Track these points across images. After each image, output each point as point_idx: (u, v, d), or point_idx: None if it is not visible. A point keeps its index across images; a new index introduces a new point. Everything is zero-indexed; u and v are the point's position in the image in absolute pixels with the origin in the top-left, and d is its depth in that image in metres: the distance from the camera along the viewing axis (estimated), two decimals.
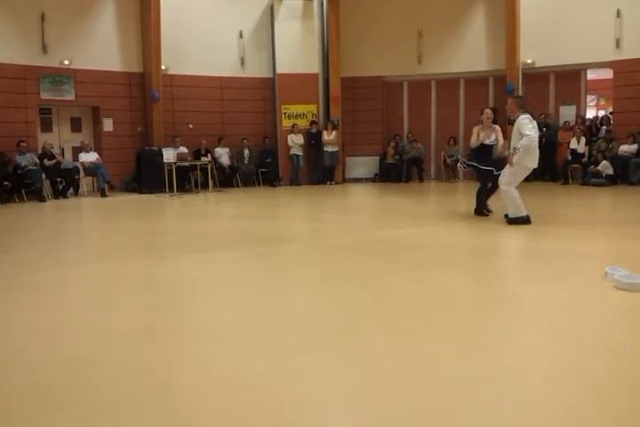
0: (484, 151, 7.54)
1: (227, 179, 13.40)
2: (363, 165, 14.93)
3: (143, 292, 4.16)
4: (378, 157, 14.77)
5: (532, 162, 6.82)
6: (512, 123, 7.10)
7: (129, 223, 8.03)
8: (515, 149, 6.69)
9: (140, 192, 12.04)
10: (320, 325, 3.28)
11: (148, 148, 12.60)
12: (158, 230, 7.50)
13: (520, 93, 13.32)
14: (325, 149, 13.96)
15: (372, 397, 2.33)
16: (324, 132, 14.00)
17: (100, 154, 12.22)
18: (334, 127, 14.00)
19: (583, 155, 12.55)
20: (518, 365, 2.64)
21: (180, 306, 3.78)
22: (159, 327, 3.28)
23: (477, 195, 7.66)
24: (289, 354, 2.81)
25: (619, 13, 12.57)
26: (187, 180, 12.49)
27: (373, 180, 14.71)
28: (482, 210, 7.57)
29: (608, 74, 13.44)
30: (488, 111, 7.69)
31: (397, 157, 14.34)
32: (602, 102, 17.67)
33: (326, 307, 3.66)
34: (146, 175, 12.22)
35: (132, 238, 6.68)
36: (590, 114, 15.29)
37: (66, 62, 12.15)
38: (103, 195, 11.57)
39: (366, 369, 2.61)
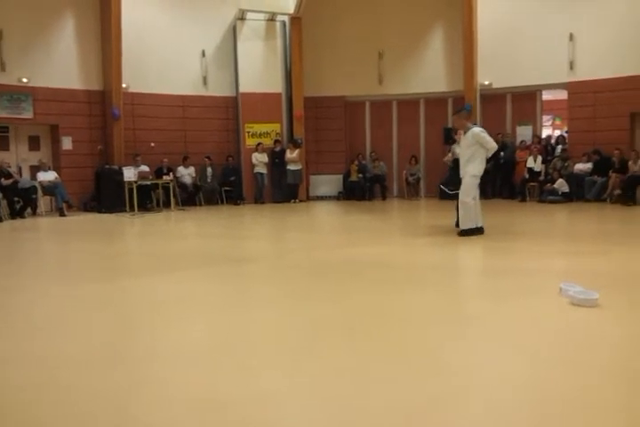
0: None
1: (189, 197, 13.29)
2: (326, 183, 15.04)
3: (101, 314, 4.06)
4: (341, 176, 14.90)
5: (480, 170, 7.26)
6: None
7: (88, 244, 7.87)
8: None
9: (100, 211, 11.84)
10: (283, 344, 3.26)
11: (107, 166, 12.43)
12: (118, 251, 7.36)
13: (477, 113, 13.69)
14: (288, 167, 14.02)
15: (334, 417, 2.32)
16: (287, 151, 14.06)
17: (58, 173, 11.99)
18: (296, 146, 14.07)
19: (540, 173, 12.91)
20: (475, 383, 2.66)
21: (141, 328, 3.71)
22: (118, 351, 3.20)
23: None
24: (252, 374, 2.77)
25: (571, 37, 13.07)
26: (148, 199, 12.35)
27: (337, 198, 14.82)
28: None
29: (563, 95, 13.92)
30: None
31: (361, 175, 14.49)
32: (557, 122, 18.24)
33: (289, 326, 3.64)
34: (105, 194, 12.03)
35: (90, 259, 6.53)
36: (546, 133, 15.74)
37: (24, 80, 11.96)
38: (62, 214, 11.33)
39: (328, 389, 2.59)
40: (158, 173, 12.80)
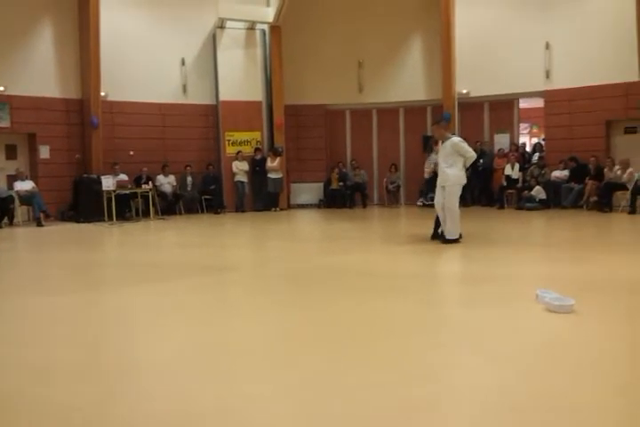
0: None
1: (169, 206, 13.20)
2: (307, 191, 15.05)
3: (76, 326, 4.01)
4: (322, 184, 14.92)
5: (465, 178, 7.40)
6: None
7: (65, 254, 7.78)
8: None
9: (78, 221, 11.70)
10: (263, 354, 3.25)
11: (86, 175, 12.31)
12: (96, 261, 7.28)
13: (456, 122, 13.84)
14: (269, 175, 14.01)
15: (314, 425, 2.31)
16: (268, 159, 14.06)
17: (36, 182, 11.85)
18: (277, 154, 14.08)
19: (517, 180, 13.06)
20: (452, 390, 2.67)
21: (118, 339, 3.67)
22: (92, 363, 3.16)
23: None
24: (231, 384, 2.76)
25: (547, 46, 13.28)
26: (127, 208, 12.24)
27: (318, 206, 14.83)
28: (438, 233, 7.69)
29: (539, 103, 14.12)
30: None
31: (341, 183, 14.53)
32: (535, 130, 18.49)
33: (270, 335, 3.63)
34: (84, 204, 11.91)
35: (68, 270, 6.45)
36: (522, 141, 15.95)
37: (0, 88, 11.82)
38: (39, 224, 11.18)
39: (309, 398, 2.59)
40: (137, 181, 12.71)
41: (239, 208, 13.90)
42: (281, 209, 14.13)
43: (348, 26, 14.69)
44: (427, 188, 8.10)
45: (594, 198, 11.84)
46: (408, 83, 14.67)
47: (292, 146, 14.74)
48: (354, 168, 14.81)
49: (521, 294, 4.43)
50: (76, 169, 12.72)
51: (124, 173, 12.53)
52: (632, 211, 10.85)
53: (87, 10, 12.34)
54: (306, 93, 14.78)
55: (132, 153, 13.31)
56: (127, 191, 12.10)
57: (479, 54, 13.81)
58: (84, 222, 11.55)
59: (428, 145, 8.19)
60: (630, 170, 11.44)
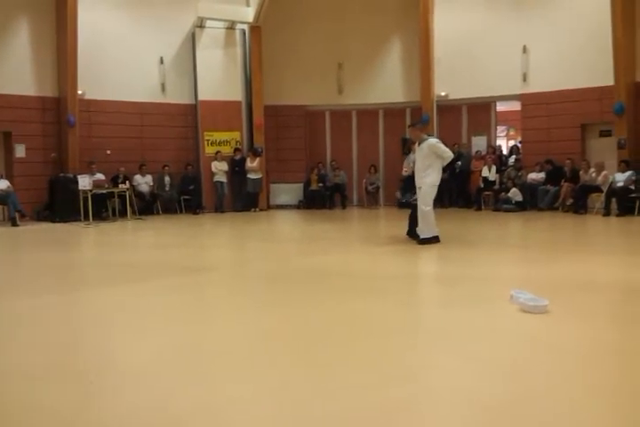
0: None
1: (147, 206, 13.09)
2: (287, 191, 15.04)
3: (54, 327, 3.96)
4: (302, 184, 14.92)
5: (439, 179, 7.49)
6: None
7: (41, 254, 7.66)
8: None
9: (54, 221, 11.54)
10: (242, 355, 3.24)
11: (62, 175, 12.14)
12: (72, 262, 7.19)
13: (434, 124, 13.97)
14: (248, 175, 13.97)
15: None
16: (247, 160, 14.02)
17: (11, 181, 11.63)
18: (257, 154, 14.04)
19: (494, 182, 13.20)
20: (429, 390, 2.70)
21: (95, 341, 3.63)
22: (68, 365, 3.12)
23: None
24: (210, 385, 2.75)
25: (525, 49, 13.45)
26: (104, 208, 12.11)
27: (298, 206, 14.82)
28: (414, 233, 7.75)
29: (516, 106, 14.29)
30: None
31: (321, 184, 14.55)
32: (512, 133, 18.71)
33: (248, 336, 3.62)
34: (60, 203, 11.75)
35: (43, 270, 6.36)
36: (499, 143, 16.13)
37: None
38: (14, 224, 11.00)
39: (287, 398, 2.59)
40: (114, 181, 12.58)
41: (218, 208, 13.84)
42: (260, 210, 14.10)
43: (328, 27, 14.73)
44: (404, 186, 8.16)
45: (569, 200, 12.02)
46: (387, 85, 14.75)
47: (271, 146, 14.71)
48: (333, 169, 14.84)
49: (496, 295, 4.48)
50: (52, 168, 12.55)
51: (100, 172, 12.40)
52: (606, 213, 11.04)
53: (65, 7, 12.18)
54: (286, 94, 14.77)
55: (109, 152, 13.17)
56: (104, 191, 11.97)
57: (457, 57, 13.94)
58: (59, 222, 11.40)
59: (406, 147, 8.25)
60: (605, 172, 11.64)
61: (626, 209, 10.97)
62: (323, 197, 14.54)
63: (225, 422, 2.37)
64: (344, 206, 14.48)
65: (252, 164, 13.98)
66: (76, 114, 12.53)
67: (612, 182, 11.38)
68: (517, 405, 2.49)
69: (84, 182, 11.56)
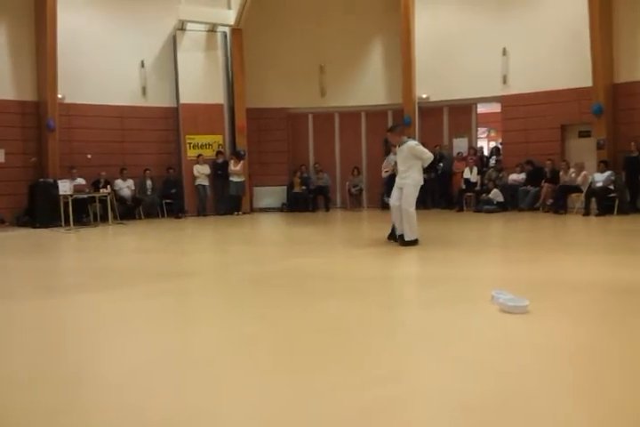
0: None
1: (128, 211, 12.99)
2: (270, 194, 15.01)
3: (31, 334, 3.91)
4: (285, 187, 14.91)
5: (422, 180, 7.55)
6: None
7: (20, 260, 7.57)
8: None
9: (34, 226, 11.40)
10: (221, 360, 3.22)
11: (42, 179, 12.00)
12: (52, 267, 7.11)
13: (416, 126, 14.05)
14: (231, 178, 13.92)
15: None
16: (231, 163, 13.98)
17: None
18: (239, 158, 14.01)
19: (476, 183, 13.30)
20: (410, 391, 2.70)
21: (74, 347, 3.59)
22: (45, 372, 3.08)
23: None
24: (191, 391, 2.73)
25: (505, 51, 13.58)
26: (84, 213, 12.00)
27: (281, 209, 14.81)
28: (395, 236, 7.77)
29: (497, 108, 14.42)
30: None
31: (304, 186, 14.55)
32: (492, 134, 18.87)
33: (230, 341, 3.61)
34: (40, 209, 11.61)
35: (21, 277, 6.29)
36: (482, 145, 16.26)
37: None
38: None
39: (271, 402, 2.58)
40: (95, 186, 12.47)
41: (201, 212, 13.77)
42: (243, 213, 14.06)
43: (310, 29, 14.75)
44: (388, 189, 8.20)
45: (549, 201, 12.15)
46: (369, 87, 14.81)
47: (254, 149, 14.68)
48: (317, 172, 14.85)
49: (477, 296, 4.51)
50: (32, 173, 12.40)
51: (81, 177, 12.29)
52: (586, 213, 11.17)
53: (44, 10, 12.04)
54: (268, 97, 14.76)
55: (89, 156, 13.05)
56: (85, 196, 11.87)
57: (438, 59, 14.03)
58: (40, 228, 11.26)
59: (389, 148, 8.30)
60: (584, 173, 11.79)
61: (605, 209, 11.12)
62: (306, 200, 14.54)
63: (207, 425, 2.36)
64: (327, 209, 14.49)
65: (235, 167, 13.94)
66: (56, 118, 12.40)
67: (591, 182, 11.53)
68: (498, 405, 2.51)
69: (65, 187, 11.44)
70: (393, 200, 7.51)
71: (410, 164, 7.36)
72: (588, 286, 4.99)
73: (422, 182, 7.53)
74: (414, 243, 7.36)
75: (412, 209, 7.35)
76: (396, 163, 7.67)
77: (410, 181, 7.35)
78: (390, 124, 14.60)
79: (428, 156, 7.43)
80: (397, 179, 7.53)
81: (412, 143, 7.48)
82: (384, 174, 8.21)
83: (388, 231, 7.91)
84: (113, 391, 2.81)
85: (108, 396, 2.75)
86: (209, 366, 3.13)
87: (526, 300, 4.05)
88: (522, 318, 3.89)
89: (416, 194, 7.44)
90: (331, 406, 2.53)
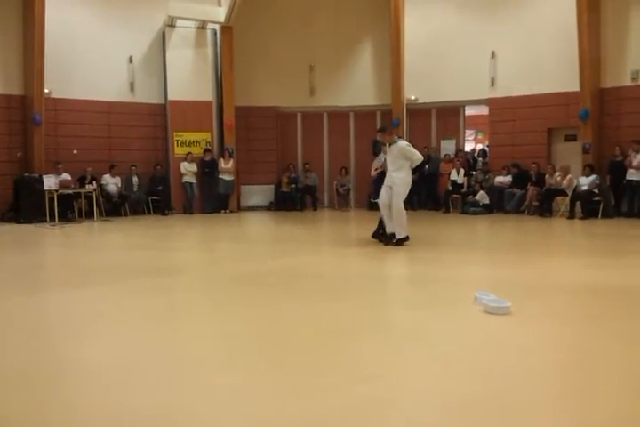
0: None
1: (114, 207, 12.91)
2: (258, 193, 14.99)
3: (13, 331, 3.88)
4: (273, 186, 14.89)
5: (411, 180, 7.61)
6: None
7: (2, 256, 7.49)
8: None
9: (19, 222, 11.29)
10: (205, 357, 3.22)
11: (27, 174, 11.88)
12: (35, 263, 7.04)
13: (404, 127, 14.09)
14: (221, 176, 13.88)
15: None
16: (221, 160, 13.93)
17: None
18: (231, 155, 13.98)
19: (462, 185, 13.37)
20: (392, 390, 2.72)
21: (55, 344, 3.56)
22: (27, 370, 3.05)
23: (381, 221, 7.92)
24: (173, 388, 2.72)
25: (493, 54, 13.67)
26: (70, 208, 11.90)
27: (268, 208, 14.79)
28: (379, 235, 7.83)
29: (485, 110, 14.51)
30: None
31: (292, 185, 14.54)
32: (480, 137, 18.98)
33: (214, 339, 3.60)
34: (24, 204, 11.50)
35: (4, 272, 6.22)
36: (469, 147, 16.35)
37: None
38: None
39: (254, 400, 2.58)
40: (81, 181, 12.38)
41: (187, 210, 13.72)
42: (231, 211, 14.03)
43: (300, 28, 14.75)
44: (374, 188, 8.23)
45: (535, 203, 12.25)
46: (359, 87, 14.85)
47: (242, 147, 14.65)
48: (305, 171, 14.84)
49: (461, 296, 4.53)
50: (17, 168, 12.28)
51: (67, 172, 12.18)
52: (571, 216, 11.28)
53: (32, 4, 11.92)
54: (257, 95, 14.73)
55: (75, 152, 12.95)
56: (70, 191, 11.77)
57: (427, 62, 14.09)
58: (24, 223, 11.16)
59: (377, 148, 8.32)
60: (570, 176, 11.90)
61: (590, 212, 11.23)
62: (293, 199, 14.53)
63: (190, 424, 2.35)
64: (315, 208, 14.49)
65: (225, 165, 13.90)
66: (42, 112, 12.29)
67: (576, 186, 11.64)
68: (483, 404, 2.53)
69: (50, 182, 11.35)
70: (382, 198, 7.54)
71: (399, 164, 7.40)
72: (572, 287, 5.05)
73: (411, 183, 7.58)
74: (405, 240, 7.43)
75: (402, 207, 7.40)
76: (386, 160, 7.71)
77: (399, 181, 7.40)
78: (379, 124, 14.66)
79: (418, 157, 7.50)
80: (386, 178, 7.56)
81: (403, 144, 7.52)
82: (373, 173, 8.23)
83: (373, 229, 7.96)
84: (97, 388, 2.79)
85: (89, 393, 2.74)
86: (193, 364, 3.12)
87: (508, 301, 4.08)
88: (505, 318, 3.92)
89: (406, 194, 7.51)
90: (315, 405, 2.54)
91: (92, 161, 12.90)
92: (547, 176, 12.30)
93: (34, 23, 11.99)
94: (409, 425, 2.37)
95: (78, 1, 13.09)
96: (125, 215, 13.02)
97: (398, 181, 7.40)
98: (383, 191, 7.55)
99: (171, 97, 13.80)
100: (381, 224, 7.75)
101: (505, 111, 13.56)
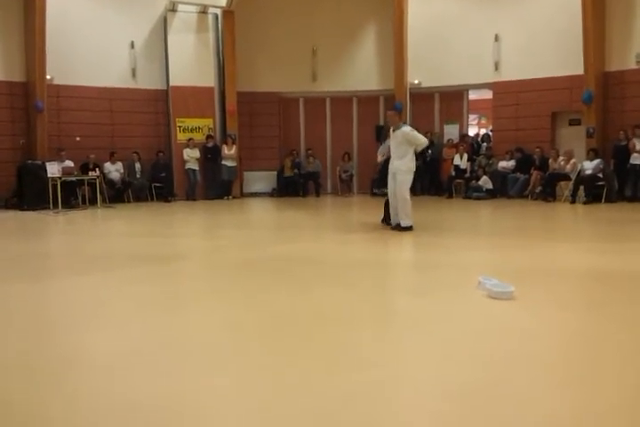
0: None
1: (117, 194, 12.92)
2: (260, 179, 14.97)
3: (17, 318, 3.91)
4: (275, 172, 14.86)
5: (414, 166, 7.56)
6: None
7: (6, 243, 7.52)
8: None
9: (22, 209, 11.31)
10: (208, 345, 3.24)
11: (30, 161, 11.88)
12: (39, 250, 7.07)
13: (407, 112, 14.00)
14: (224, 162, 13.85)
15: (253, 416, 2.34)
16: (224, 147, 13.90)
17: None
18: (233, 141, 13.94)
19: (465, 170, 13.32)
20: (395, 376, 2.73)
21: (58, 332, 3.59)
22: (32, 358, 3.08)
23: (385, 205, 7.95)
24: (176, 377, 2.74)
25: (497, 38, 13.53)
26: (73, 195, 11.92)
27: (271, 194, 14.78)
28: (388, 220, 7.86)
29: (488, 94, 14.40)
30: None
31: (295, 170, 14.51)
32: (483, 121, 18.87)
33: (215, 326, 3.62)
34: (28, 191, 11.52)
35: (8, 259, 6.25)
36: (472, 132, 16.26)
37: None
38: None
39: (255, 387, 2.60)
40: (84, 168, 12.38)
41: (190, 196, 13.72)
42: (233, 197, 14.03)
43: (303, 12, 14.60)
44: (380, 175, 8.23)
45: (538, 188, 12.21)
46: (361, 72, 14.74)
47: (244, 133, 14.60)
48: (308, 157, 14.80)
49: (465, 282, 4.54)
50: (20, 155, 12.29)
51: (70, 159, 12.18)
52: (574, 200, 11.25)
53: None
54: (259, 80, 14.64)
55: (78, 139, 12.93)
56: (73, 178, 11.78)
57: (430, 45, 13.96)
58: (28, 210, 11.18)
59: (382, 134, 8.30)
60: (573, 161, 11.85)
61: (593, 197, 11.19)
62: (296, 185, 14.51)
63: (193, 412, 2.38)
64: (318, 194, 14.47)
65: (229, 151, 13.86)
66: (45, 99, 12.26)
67: (580, 171, 11.59)
68: (483, 390, 2.54)
69: (53, 169, 11.36)
70: (390, 185, 7.55)
71: (403, 150, 7.37)
72: (576, 272, 5.05)
73: (414, 169, 7.55)
74: (409, 229, 7.43)
75: (407, 194, 7.40)
76: (388, 151, 7.69)
77: (403, 167, 7.38)
78: (382, 109, 14.60)
79: (423, 141, 7.49)
80: (390, 165, 7.54)
81: (407, 129, 7.48)
82: (380, 159, 8.22)
83: (381, 216, 7.97)
84: (100, 377, 2.81)
85: (95, 379, 2.76)
86: (194, 350, 3.15)
87: (512, 286, 4.09)
88: (508, 303, 3.93)
89: (410, 181, 7.50)
90: (315, 391, 2.56)
91: (95, 148, 12.89)
92: (550, 161, 12.25)
93: (35, 10, 11.90)
94: (410, 413, 2.39)
95: None
96: (128, 202, 13.04)
97: (403, 168, 7.38)
98: (390, 178, 7.54)
99: (172, 83, 13.73)
100: (387, 206, 7.78)
101: (508, 95, 13.46)
